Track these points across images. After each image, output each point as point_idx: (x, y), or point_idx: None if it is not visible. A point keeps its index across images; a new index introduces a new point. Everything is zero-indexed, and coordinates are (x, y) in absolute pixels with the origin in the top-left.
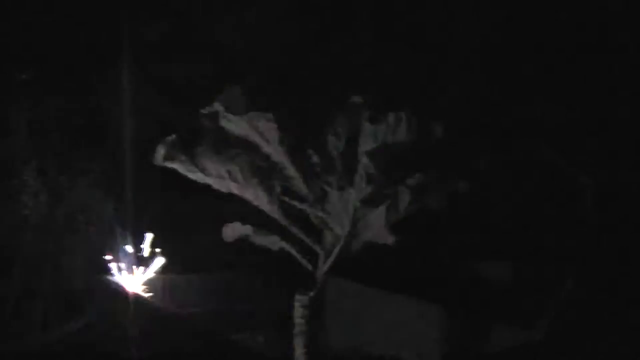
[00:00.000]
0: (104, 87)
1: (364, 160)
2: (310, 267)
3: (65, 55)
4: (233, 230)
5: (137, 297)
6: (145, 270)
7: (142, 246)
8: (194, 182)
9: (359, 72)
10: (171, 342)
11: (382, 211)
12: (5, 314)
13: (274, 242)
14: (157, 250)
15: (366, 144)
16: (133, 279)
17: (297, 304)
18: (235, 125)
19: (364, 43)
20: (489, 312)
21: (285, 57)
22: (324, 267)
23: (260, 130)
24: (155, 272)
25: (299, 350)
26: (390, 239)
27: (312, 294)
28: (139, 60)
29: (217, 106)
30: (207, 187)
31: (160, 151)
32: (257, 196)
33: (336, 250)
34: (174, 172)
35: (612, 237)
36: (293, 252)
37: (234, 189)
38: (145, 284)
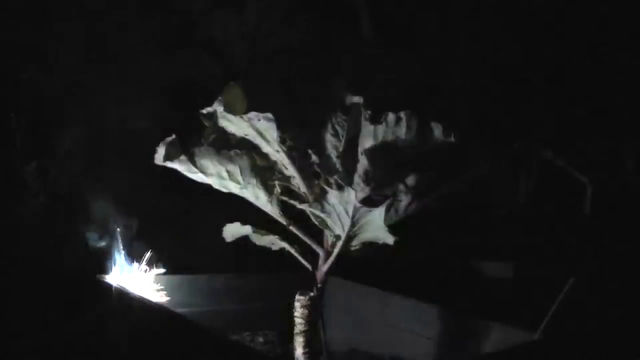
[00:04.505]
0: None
1: (364, 160)
2: (310, 267)
3: (64, 53)
4: (233, 230)
5: (138, 298)
6: (146, 270)
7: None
8: (194, 182)
9: (359, 72)
10: (171, 342)
11: (382, 211)
12: (5, 314)
13: (274, 242)
14: (156, 251)
15: (366, 144)
16: (134, 280)
17: (297, 304)
18: (235, 125)
19: (364, 43)
20: (489, 312)
21: (286, 56)
22: (324, 267)
23: (260, 130)
24: (154, 273)
25: (299, 350)
26: (390, 239)
27: (312, 294)
28: (139, 59)
29: (217, 106)
30: (207, 187)
31: (160, 151)
32: (257, 196)
33: (336, 250)
34: (174, 172)
35: (612, 237)
36: (293, 252)
37: (234, 189)
38: (146, 284)
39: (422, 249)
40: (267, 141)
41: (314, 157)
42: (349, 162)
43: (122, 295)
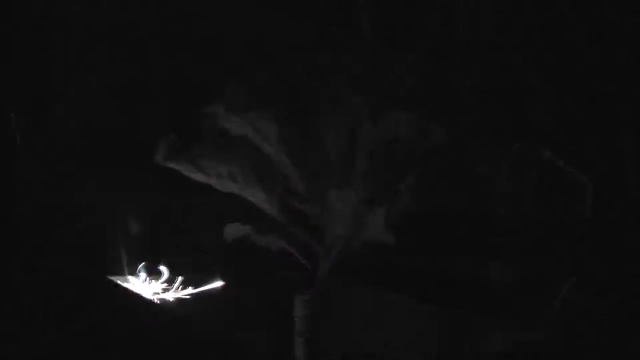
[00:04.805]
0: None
1: (364, 160)
2: (310, 267)
3: (63, 51)
4: (233, 231)
5: (139, 298)
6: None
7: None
8: (194, 182)
9: (359, 72)
10: (171, 342)
11: (382, 211)
12: (5, 315)
13: (274, 242)
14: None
15: (366, 144)
16: (136, 280)
17: (297, 304)
18: (235, 125)
19: (365, 43)
20: (489, 312)
21: (286, 56)
22: (324, 267)
23: (260, 130)
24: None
25: (299, 350)
26: (390, 239)
27: (312, 294)
28: (139, 59)
29: (217, 106)
30: (208, 187)
31: (161, 151)
32: (257, 196)
33: (336, 250)
34: (174, 171)
35: (611, 237)
36: (293, 252)
37: (234, 189)
38: (148, 284)
39: (422, 249)
40: (268, 141)
41: (314, 157)
42: (349, 162)
43: (124, 296)
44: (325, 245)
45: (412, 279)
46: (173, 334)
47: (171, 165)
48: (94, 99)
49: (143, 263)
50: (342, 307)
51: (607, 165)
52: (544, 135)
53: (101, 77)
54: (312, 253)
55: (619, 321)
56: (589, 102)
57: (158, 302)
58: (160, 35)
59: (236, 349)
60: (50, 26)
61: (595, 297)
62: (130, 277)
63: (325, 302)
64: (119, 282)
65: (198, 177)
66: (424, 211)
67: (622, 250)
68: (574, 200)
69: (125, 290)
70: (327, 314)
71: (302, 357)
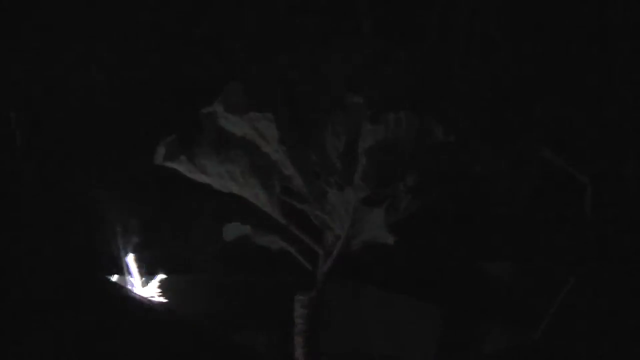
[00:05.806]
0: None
1: (364, 160)
2: (310, 267)
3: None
4: (233, 230)
5: (139, 298)
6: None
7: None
8: (194, 182)
9: (359, 72)
10: (171, 342)
11: (382, 211)
12: (3, 315)
13: (274, 242)
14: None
15: (366, 144)
16: (133, 279)
17: (297, 304)
18: (235, 125)
19: (364, 42)
20: (488, 312)
21: (286, 56)
22: (324, 267)
23: (260, 130)
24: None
25: (299, 350)
26: (390, 239)
27: (312, 294)
28: (139, 58)
29: (217, 106)
30: (207, 187)
31: (161, 151)
32: (257, 196)
33: (336, 250)
34: (173, 171)
35: (612, 237)
36: (293, 252)
37: (234, 189)
38: (147, 284)
39: (422, 249)
40: (267, 141)
41: (314, 157)
42: (349, 162)
43: (123, 296)
44: (325, 245)
45: (412, 279)
46: (172, 334)
47: (171, 165)
48: (93, 99)
49: (141, 263)
50: (342, 307)
51: (607, 165)
52: (544, 135)
53: (100, 77)
54: (312, 253)
55: (619, 321)
56: (589, 102)
57: (155, 302)
58: (160, 34)
59: (236, 349)
60: (50, 25)
61: (595, 297)
62: (128, 277)
63: (325, 302)
64: (117, 282)
65: (198, 177)
66: (423, 211)
67: (622, 250)
68: (574, 200)
69: (123, 290)
70: (327, 314)
71: (302, 357)
